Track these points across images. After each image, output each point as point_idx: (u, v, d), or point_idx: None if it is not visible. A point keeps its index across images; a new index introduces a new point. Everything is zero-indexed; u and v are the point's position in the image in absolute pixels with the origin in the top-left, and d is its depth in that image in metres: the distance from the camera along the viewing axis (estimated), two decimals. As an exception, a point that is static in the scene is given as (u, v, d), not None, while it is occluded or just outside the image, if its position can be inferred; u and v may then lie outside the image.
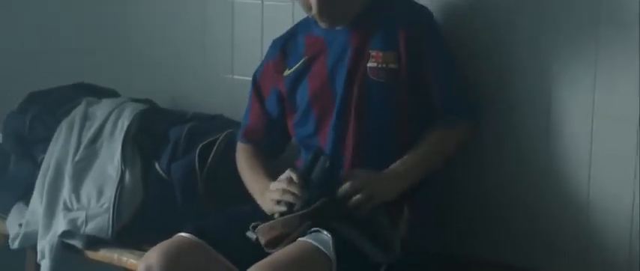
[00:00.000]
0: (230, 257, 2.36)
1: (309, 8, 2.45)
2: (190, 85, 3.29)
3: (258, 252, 2.29)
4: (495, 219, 2.61)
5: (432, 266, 2.49)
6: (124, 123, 2.94)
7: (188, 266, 2.36)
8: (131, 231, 2.76)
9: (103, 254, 2.76)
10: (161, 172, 2.82)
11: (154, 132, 2.93)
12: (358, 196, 2.32)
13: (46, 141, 3.05)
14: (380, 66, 2.43)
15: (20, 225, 2.92)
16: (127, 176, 2.82)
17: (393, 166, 2.40)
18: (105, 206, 2.79)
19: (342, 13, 2.46)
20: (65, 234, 2.77)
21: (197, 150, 2.77)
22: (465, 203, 2.65)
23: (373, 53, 2.43)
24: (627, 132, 2.35)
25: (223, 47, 3.18)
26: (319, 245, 2.22)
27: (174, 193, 2.79)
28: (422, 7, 2.49)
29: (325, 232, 2.24)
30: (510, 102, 2.53)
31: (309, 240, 2.24)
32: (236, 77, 3.14)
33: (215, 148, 2.79)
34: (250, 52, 3.05)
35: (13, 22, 3.65)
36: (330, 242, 2.22)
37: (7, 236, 2.96)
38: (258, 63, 2.73)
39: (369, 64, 2.43)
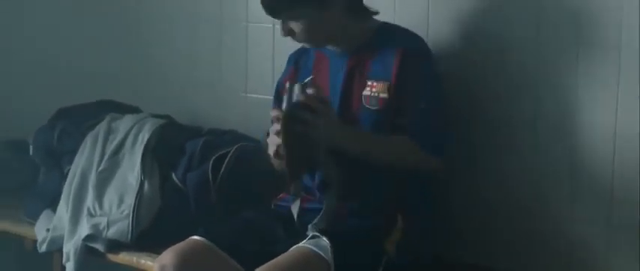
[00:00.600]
0: (237, 259, 2.52)
1: None
2: (207, 103, 3.47)
3: (262, 255, 2.46)
4: (487, 227, 2.79)
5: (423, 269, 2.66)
6: (144, 136, 3.12)
7: (199, 267, 2.53)
8: (149, 236, 2.93)
9: (123, 257, 2.95)
10: (177, 182, 3.00)
11: (171, 145, 3.11)
12: (312, 113, 2.40)
13: (72, 153, 3.25)
14: (373, 94, 2.55)
15: (48, 230, 3.12)
16: (146, 185, 3.01)
17: (356, 130, 2.54)
18: (125, 212, 2.98)
19: (315, 39, 2.61)
20: (88, 238, 2.97)
21: (210, 162, 2.94)
22: (458, 212, 2.83)
23: (369, 82, 2.57)
24: (605, 147, 2.54)
25: (238, 68, 3.35)
26: (318, 251, 2.40)
27: (189, 201, 2.96)
28: (418, 39, 2.61)
29: (324, 238, 2.41)
30: (503, 117, 2.71)
31: (309, 246, 2.42)
32: (249, 95, 3.31)
33: (227, 160, 2.95)
34: (263, 73, 3.23)
35: (43, 44, 3.86)
36: (329, 247, 2.39)
37: (35, 241, 3.16)
38: (271, 82, 2.92)
39: (364, 93, 2.57)
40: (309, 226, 2.49)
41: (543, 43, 2.62)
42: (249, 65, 3.33)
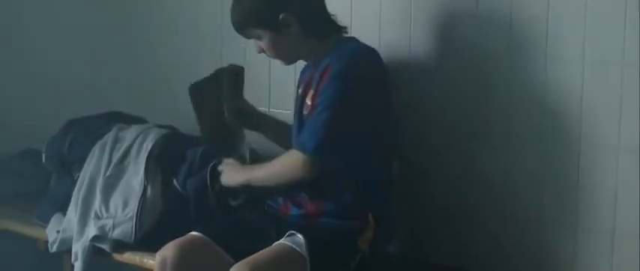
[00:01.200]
0: (231, 254, 2.75)
1: None
2: None
3: (252, 249, 2.68)
4: (461, 229, 3.01)
5: (394, 266, 2.90)
6: (148, 145, 3.32)
7: (196, 260, 2.76)
8: (151, 237, 3.11)
9: (128, 257, 3.15)
10: (178, 187, 3.19)
11: (173, 153, 3.29)
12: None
13: (82, 160, 3.43)
14: (306, 103, 2.79)
15: (58, 232, 3.32)
16: (149, 190, 3.20)
17: (248, 166, 2.90)
18: (129, 215, 3.17)
19: (282, 56, 2.86)
20: (95, 239, 3.17)
21: (208, 169, 3.08)
22: (435, 215, 3.04)
23: (310, 92, 2.80)
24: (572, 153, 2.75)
25: (261, 83, 3.46)
26: (294, 246, 2.62)
27: (189, 206, 3.13)
28: (348, 59, 2.71)
29: (299, 235, 2.63)
30: (475, 124, 2.93)
31: (286, 242, 2.65)
32: (273, 110, 3.42)
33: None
34: (285, 88, 3.34)
35: (55, 60, 4.07)
36: (304, 243, 2.61)
37: (47, 242, 3.36)
38: (290, 98, 3.12)
39: (306, 101, 2.81)
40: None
41: (513, 55, 2.83)
42: (272, 81, 3.46)
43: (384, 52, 2.87)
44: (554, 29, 2.74)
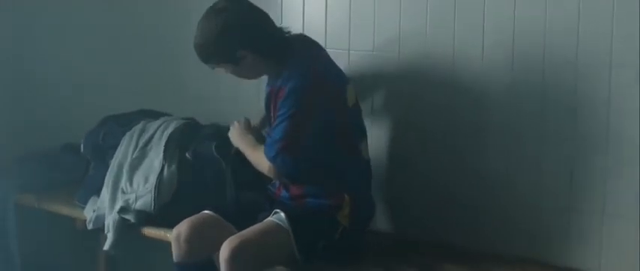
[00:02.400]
0: (236, 227, 3.22)
1: None
2: (229, 111, 4.05)
3: (253, 224, 3.17)
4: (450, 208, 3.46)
5: (370, 239, 3.37)
6: (169, 130, 3.79)
7: (207, 234, 3.24)
8: (168, 208, 3.57)
9: (151, 231, 3.62)
10: (189, 158, 3.66)
11: (190, 137, 3.76)
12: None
13: (114, 149, 3.92)
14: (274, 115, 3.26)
15: (94, 211, 3.81)
16: (166, 168, 3.67)
17: (249, 138, 3.37)
18: (149, 189, 3.64)
19: (245, 77, 3.39)
20: (121, 210, 3.65)
21: (213, 145, 3.60)
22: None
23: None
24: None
25: (252, 83, 3.75)
26: (279, 222, 3.11)
27: (200, 181, 3.60)
28: (300, 77, 3.16)
29: (282, 213, 3.12)
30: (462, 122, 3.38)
31: (272, 219, 3.14)
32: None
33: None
34: None
35: (92, 62, 4.59)
36: (285, 218, 3.10)
37: (84, 221, 3.85)
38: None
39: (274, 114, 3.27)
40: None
41: (486, 62, 3.28)
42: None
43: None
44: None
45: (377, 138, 3.57)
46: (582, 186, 3.13)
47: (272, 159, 3.16)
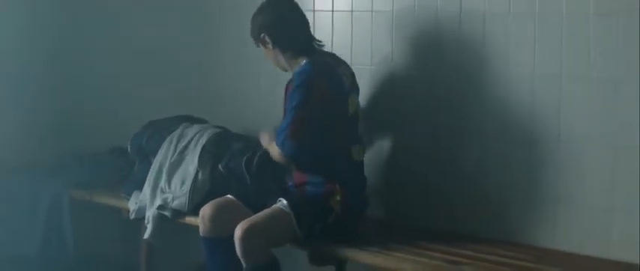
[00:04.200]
0: (253, 211, 3.77)
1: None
2: (260, 118, 4.61)
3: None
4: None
5: (361, 223, 3.90)
6: (203, 140, 4.34)
7: (227, 214, 3.80)
8: (200, 206, 4.01)
9: (184, 221, 4.20)
10: (222, 169, 4.21)
11: (221, 147, 4.31)
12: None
13: (156, 151, 4.48)
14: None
15: (136, 203, 4.39)
16: (200, 174, 4.23)
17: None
18: (184, 191, 4.21)
19: (275, 65, 3.98)
20: (160, 207, 4.21)
21: (244, 158, 4.09)
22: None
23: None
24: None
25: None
26: (282, 207, 3.68)
27: (229, 185, 4.10)
28: (303, 74, 3.73)
29: (284, 200, 3.69)
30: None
31: (277, 205, 3.70)
32: None
33: (258, 156, 4.10)
34: None
35: (138, 72, 5.17)
36: (287, 204, 3.67)
37: (128, 211, 4.43)
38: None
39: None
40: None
41: (469, 68, 3.84)
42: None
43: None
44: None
45: (373, 142, 4.19)
46: (540, 178, 3.67)
47: (280, 145, 3.74)
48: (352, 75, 3.96)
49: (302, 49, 3.90)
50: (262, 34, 3.90)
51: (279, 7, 3.92)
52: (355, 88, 3.95)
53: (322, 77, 3.78)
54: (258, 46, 3.98)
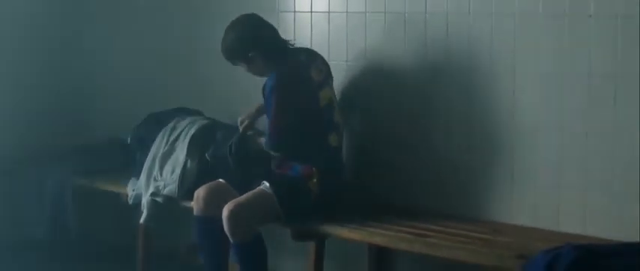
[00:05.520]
0: (241, 193, 4.12)
1: None
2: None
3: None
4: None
5: (339, 203, 4.28)
6: (192, 131, 4.71)
7: (219, 196, 4.15)
8: (189, 192, 4.43)
9: (180, 204, 4.57)
10: (208, 158, 4.57)
11: (208, 137, 4.68)
12: None
13: (154, 142, 4.85)
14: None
15: (133, 190, 4.78)
16: (189, 162, 4.60)
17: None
18: (175, 179, 4.58)
19: (256, 74, 4.33)
20: (153, 194, 4.60)
21: (229, 145, 4.39)
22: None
23: None
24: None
25: None
26: (265, 189, 4.05)
27: (215, 173, 4.42)
28: (275, 76, 4.12)
29: (266, 182, 4.07)
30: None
31: (260, 187, 4.07)
32: None
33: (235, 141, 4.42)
34: None
35: (139, 68, 5.52)
36: (269, 186, 4.05)
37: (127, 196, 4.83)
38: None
39: None
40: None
41: (433, 63, 4.25)
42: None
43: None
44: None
45: (349, 129, 4.58)
46: (496, 160, 4.09)
47: (268, 146, 4.23)
48: (327, 67, 4.33)
49: (280, 55, 4.27)
50: (250, 53, 4.23)
51: (250, 23, 4.28)
52: (329, 80, 4.31)
53: (290, 77, 4.19)
54: (236, 65, 4.32)
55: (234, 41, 4.25)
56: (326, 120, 4.25)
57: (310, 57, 4.33)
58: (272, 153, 4.22)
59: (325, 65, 4.34)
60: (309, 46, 4.56)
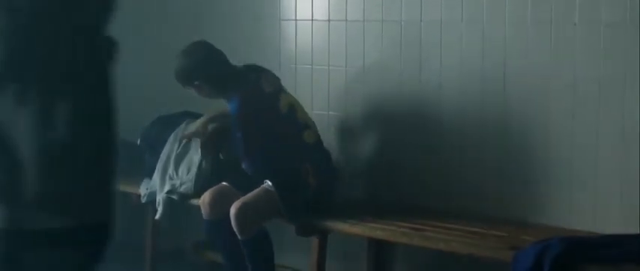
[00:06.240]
0: (244, 194, 4.42)
1: None
2: None
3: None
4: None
5: (340, 199, 4.59)
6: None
7: (223, 198, 4.45)
8: (204, 190, 4.69)
9: (189, 203, 4.85)
10: (222, 157, 4.83)
11: (221, 136, 4.91)
12: None
13: (164, 143, 5.09)
14: None
15: (147, 189, 5.03)
16: (203, 162, 4.86)
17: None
18: (190, 178, 4.84)
19: (210, 98, 4.65)
20: (169, 192, 4.85)
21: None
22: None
23: None
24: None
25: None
26: (267, 187, 4.35)
27: (229, 173, 4.71)
28: (240, 101, 4.44)
29: (268, 182, 4.36)
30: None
31: (264, 186, 4.36)
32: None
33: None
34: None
35: (148, 74, 5.70)
36: (271, 184, 4.34)
37: (138, 195, 5.05)
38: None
39: None
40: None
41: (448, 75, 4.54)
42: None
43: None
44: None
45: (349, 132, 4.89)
46: (488, 163, 4.40)
47: (245, 169, 4.55)
48: (276, 79, 4.56)
49: (229, 80, 4.53)
50: (196, 82, 4.50)
51: (197, 52, 4.52)
52: (282, 87, 4.55)
53: (248, 99, 4.47)
54: (186, 88, 4.59)
55: (181, 69, 4.52)
56: (292, 123, 4.51)
57: (258, 72, 4.55)
58: (251, 175, 4.50)
59: (274, 76, 4.58)
60: (310, 52, 4.84)
